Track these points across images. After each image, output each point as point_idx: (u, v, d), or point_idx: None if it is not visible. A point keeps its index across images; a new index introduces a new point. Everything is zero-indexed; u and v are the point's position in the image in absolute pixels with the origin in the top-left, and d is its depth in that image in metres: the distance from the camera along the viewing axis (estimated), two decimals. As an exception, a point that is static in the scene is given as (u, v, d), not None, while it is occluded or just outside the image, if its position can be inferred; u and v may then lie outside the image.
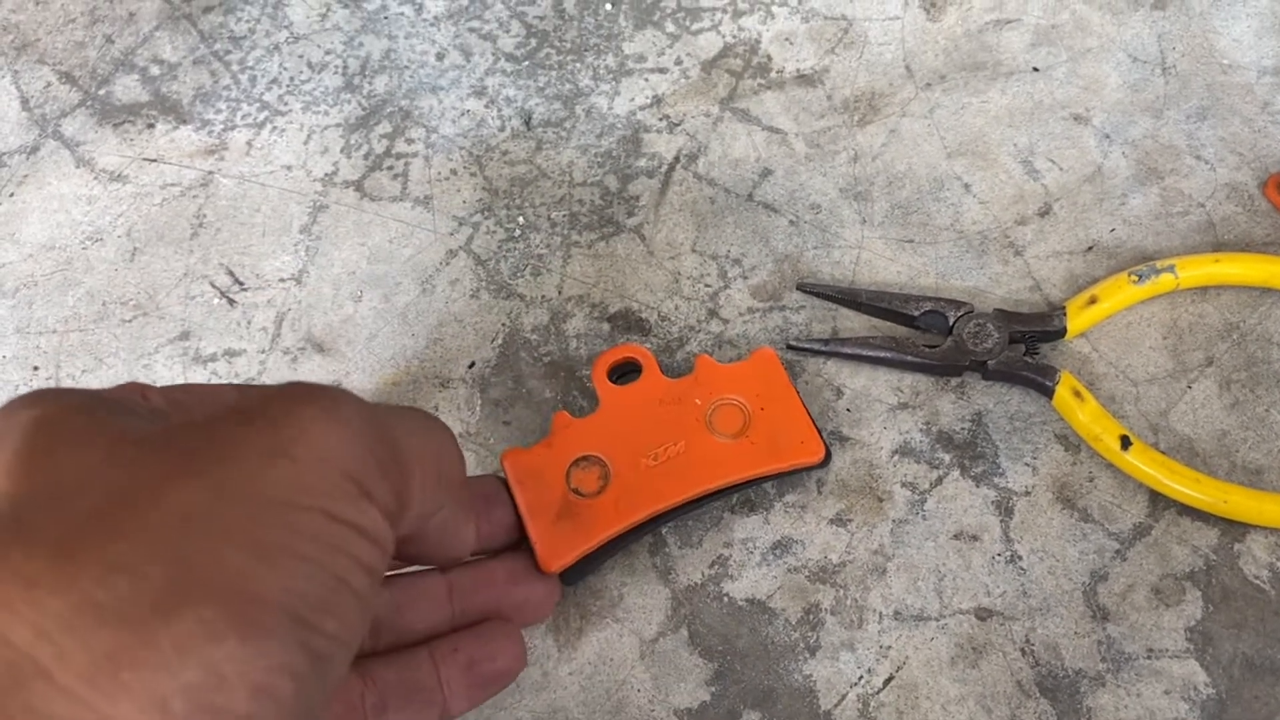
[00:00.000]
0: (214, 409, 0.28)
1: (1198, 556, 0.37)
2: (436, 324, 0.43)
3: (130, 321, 0.43)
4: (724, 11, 0.49)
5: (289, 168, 0.46)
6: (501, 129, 0.47)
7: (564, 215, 0.45)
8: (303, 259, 0.44)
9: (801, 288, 0.42)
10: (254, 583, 0.21)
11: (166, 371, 0.42)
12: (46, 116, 0.48)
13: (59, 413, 0.23)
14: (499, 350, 0.42)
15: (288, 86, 0.48)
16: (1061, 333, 0.40)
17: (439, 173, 0.46)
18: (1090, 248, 0.43)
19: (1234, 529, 0.37)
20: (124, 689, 0.19)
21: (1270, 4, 0.48)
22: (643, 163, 0.46)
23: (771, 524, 0.38)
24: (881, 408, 0.40)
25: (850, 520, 0.38)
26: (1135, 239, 0.43)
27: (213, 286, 0.44)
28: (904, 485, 0.39)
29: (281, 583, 0.21)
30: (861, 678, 0.36)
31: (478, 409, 0.41)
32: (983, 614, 0.36)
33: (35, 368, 0.42)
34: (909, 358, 0.40)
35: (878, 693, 0.35)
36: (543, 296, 0.43)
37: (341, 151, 0.47)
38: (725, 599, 0.37)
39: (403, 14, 0.50)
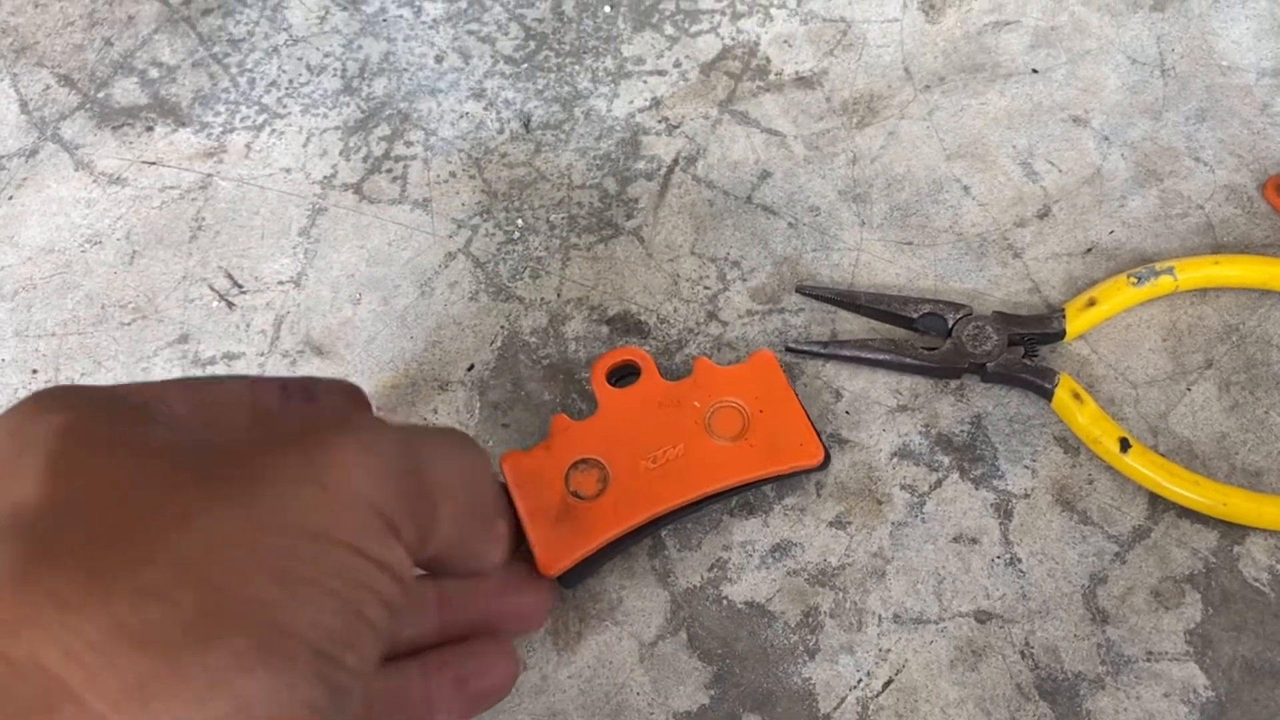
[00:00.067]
0: (235, 415, 0.28)
1: (1197, 559, 0.37)
2: (435, 326, 0.43)
3: (129, 324, 0.43)
4: (723, 14, 0.49)
5: (288, 170, 0.46)
6: (500, 131, 0.47)
7: (563, 218, 0.45)
8: (301, 262, 0.44)
9: (800, 290, 0.42)
10: (282, 615, 0.20)
11: (165, 374, 0.42)
12: (45, 119, 0.48)
13: (87, 418, 0.23)
14: (498, 353, 0.42)
15: (286, 89, 0.48)
16: (1060, 335, 0.40)
17: (438, 175, 0.46)
18: (1089, 250, 0.43)
19: (1233, 531, 0.37)
20: (153, 718, 0.19)
21: (1269, 6, 0.48)
22: (641, 165, 0.46)
23: (771, 527, 0.38)
24: (880, 410, 0.40)
25: (849, 523, 0.38)
26: (1134, 241, 0.43)
27: (211, 289, 0.44)
28: (903, 488, 0.39)
29: (308, 616, 0.21)
30: (861, 681, 0.36)
31: (476, 412, 0.41)
32: (982, 617, 0.36)
33: (34, 371, 0.42)
34: (908, 360, 0.40)
35: (877, 696, 0.35)
36: (541, 299, 0.43)
37: (340, 154, 0.47)
38: (724, 602, 0.37)
39: (401, 16, 0.50)
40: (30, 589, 0.19)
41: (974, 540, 0.38)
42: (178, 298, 0.44)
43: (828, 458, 0.38)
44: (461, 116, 0.47)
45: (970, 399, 0.40)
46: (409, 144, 0.47)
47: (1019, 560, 0.37)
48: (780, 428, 0.37)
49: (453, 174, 0.46)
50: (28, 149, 0.47)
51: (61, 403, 0.24)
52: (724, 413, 0.38)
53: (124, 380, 0.42)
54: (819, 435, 0.38)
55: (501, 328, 0.42)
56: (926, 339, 0.41)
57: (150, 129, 0.48)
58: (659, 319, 0.42)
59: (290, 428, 0.24)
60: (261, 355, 0.42)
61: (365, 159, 0.46)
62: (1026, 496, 0.38)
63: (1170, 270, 0.41)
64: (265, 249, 0.45)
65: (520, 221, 0.45)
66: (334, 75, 0.49)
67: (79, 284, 0.44)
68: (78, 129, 0.48)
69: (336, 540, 0.22)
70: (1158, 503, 0.38)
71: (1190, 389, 0.40)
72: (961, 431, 0.39)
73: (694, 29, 0.49)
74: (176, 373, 0.42)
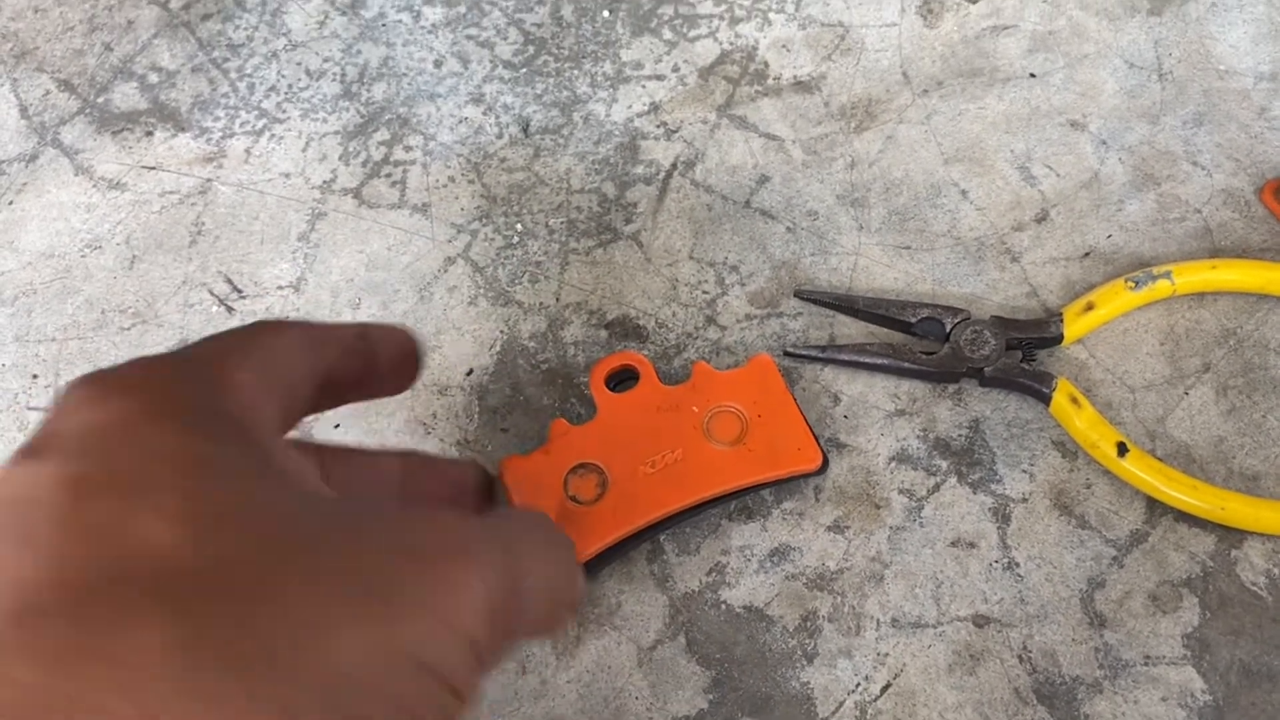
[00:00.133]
0: (376, 491, 0.28)
1: (1195, 563, 0.37)
2: (434, 331, 0.43)
3: (129, 329, 0.43)
4: (721, 18, 0.49)
5: (287, 175, 0.46)
6: (499, 136, 0.47)
7: (562, 222, 0.45)
8: (301, 266, 0.44)
9: (799, 294, 0.42)
10: None
11: (165, 379, 0.42)
12: (45, 124, 0.48)
13: (225, 451, 0.22)
14: (497, 357, 0.42)
15: (286, 94, 0.48)
16: (1058, 339, 0.40)
17: (437, 180, 0.46)
18: (1087, 254, 0.43)
19: (1231, 536, 0.37)
20: None
21: (1267, 10, 0.48)
22: (640, 170, 0.46)
23: (769, 531, 0.38)
24: (879, 414, 0.40)
25: (848, 527, 0.38)
26: (1132, 245, 0.43)
27: (211, 294, 0.44)
28: (901, 492, 0.39)
29: None
30: (859, 685, 0.36)
31: (475, 416, 0.41)
32: (980, 621, 0.36)
33: (34, 375, 0.43)
34: (906, 364, 0.40)
35: (875, 700, 0.35)
36: (540, 304, 0.43)
37: (340, 159, 0.47)
38: (723, 606, 0.37)
39: (400, 21, 0.50)
40: (184, 680, 0.18)
41: (972, 544, 0.38)
42: (177, 303, 0.44)
43: (826, 462, 0.38)
44: (460, 121, 0.47)
45: (968, 403, 0.40)
46: (408, 149, 0.47)
47: (1017, 564, 0.37)
48: (778, 432, 0.37)
49: (452, 179, 0.46)
50: (28, 154, 0.48)
51: (187, 407, 0.22)
52: (722, 417, 0.38)
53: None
54: (817, 440, 0.38)
55: (500, 332, 0.42)
56: (924, 343, 0.41)
57: (150, 134, 0.48)
58: (657, 323, 0.42)
59: (417, 535, 0.23)
60: (261, 360, 0.42)
61: (364, 164, 0.46)
62: (1024, 501, 0.38)
63: (1168, 274, 0.41)
64: (265, 254, 0.45)
65: (519, 226, 0.45)
66: (333, 80, 0.49)
67: (79, 289, 0.44)
68: (78, 134, 0.48)
69: (438, 675, 0.22)
70: (1155, 507, 0.38)
71: (1188, 393, 0.40)
72: (959, 436, 0.40)
73: (692, 34, 0.49)
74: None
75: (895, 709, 0.35)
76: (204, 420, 0.22)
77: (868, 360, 0.40)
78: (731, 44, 0.49)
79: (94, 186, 0.47)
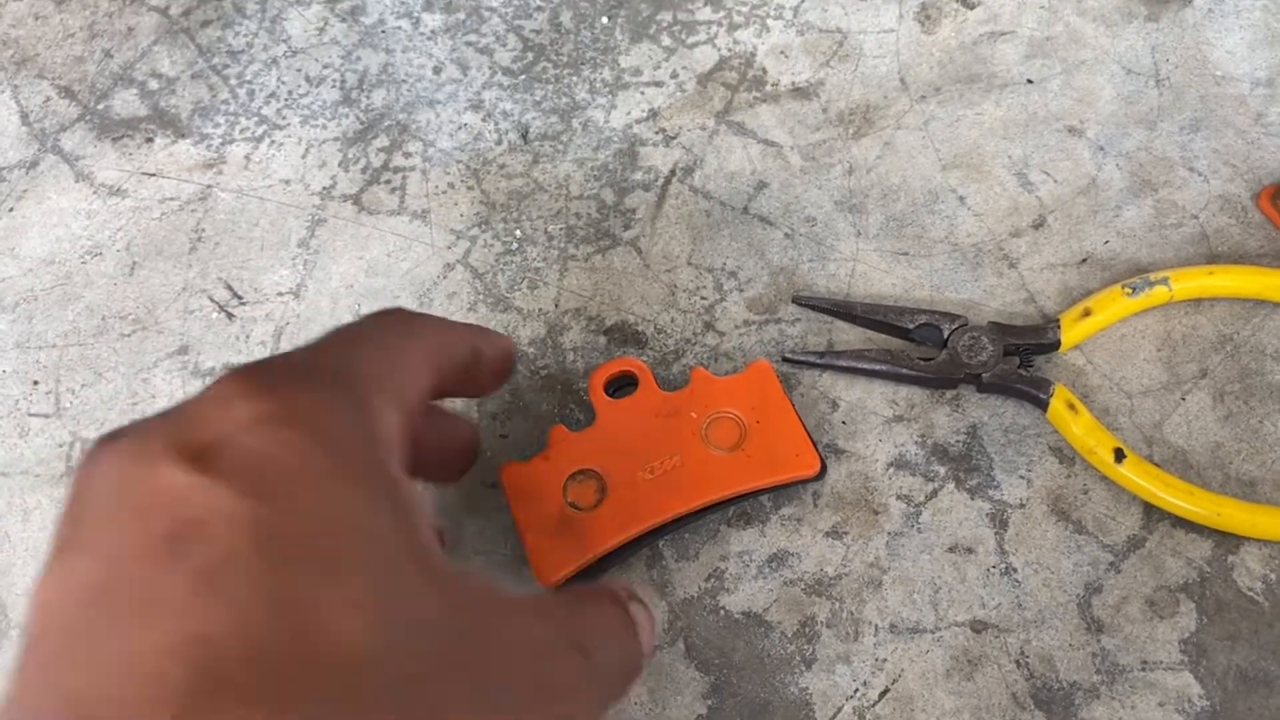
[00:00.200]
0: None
1: (1192, 569, 0.37)
2: (434, 337, 0.43)
3: (129, 335, 0.43)
4: (719, 25, 0.50)
5: (287, 181, 0.47)
6: (498, 143, 0.47)
7: (561, 228, 0.45)
8: (301, 273, 0.44)
9: (797, 300, 0.43)
10: None
11: (165, 385, 0.42)
12: (46, 131, 0.48)
13: (392, 536, 0.22)
14: (496, 363, 0.42)
15: (285, 100, 0.49)
16: (1056, 345, 0.40)
17: (436, 186, 0.46)
18: (1084, 260, 0.43)
19: (1228, 541, 0.37)
20: None
21: (1263, 16, 0.48)
22: (639, 176, 0.46)
23: (767, 537, 0.38)
24: (877, 420, 0.40)
25: (846, 533, 0.38)
26: (1129, 251, 0.43)
27: (211, 300, 0.44)
28: (899, 498, 0.39)
29: None
30: (857, 690, 0.36)
31: (475, 422, 0.41)
32: (978, 626, 0.37)
33: (35, 382, 0.43)
34: (904, 370, 0.40)
35: (873, 705, 0.36)
36: (539, 310, 0.43)
37: (339, 165, 0.47)
38: (721, 612, 0.37)
39: (400, 28, 0.50)
40: None
41: (970, 550, 0.38)
42: (177, 309, 0.44)
43: (824, 468, 0.38)
44: (460, 128, 0.47)
45: (966, 409, 0.40)
46: (407, 155, 0.47)
47: (1014, 570, 0.37)
48: (777, 438, 0.38)
49: (451, 185, 0.46)
50: (28, 161, 0.48)
51: (353, 458, 0.22)
52: (721, 423, 0.38)
53: (124, 392, 0.42)
54: (815, 445, 0.38)
55: (500, 338, 0.43)
56: (922, 349, 0.41)
57: (150, 140, 0.48)
58: (656, 329, 0.43)
59: (538, 634, 0.25)
60: (261, 366, 0.42)
61: (364, 170, 0.47)
62: (1022, 506, 0.38)
63: (1165, 280, 0.41)
64: (264, 260, 0.45)
65: (518, 232, 0.45)
66: (333, 86, 0.49)
67: (79, 295, 0.44)
68: (78, 140, 0.48)
69: None
70: (1152, 512, 0.38)
71: (1185, 399, 0.40)
72: (957, 442, 0.40)
73: (691, 40, 0.49)
74: (177, 383, 0.42)
75: (893, 714, 0.35)
76: (368, 477, 0.22)
77: (866, 366, 0.40)
78: (730, 50, 0.49)
79: (94, 193, 0.47)
